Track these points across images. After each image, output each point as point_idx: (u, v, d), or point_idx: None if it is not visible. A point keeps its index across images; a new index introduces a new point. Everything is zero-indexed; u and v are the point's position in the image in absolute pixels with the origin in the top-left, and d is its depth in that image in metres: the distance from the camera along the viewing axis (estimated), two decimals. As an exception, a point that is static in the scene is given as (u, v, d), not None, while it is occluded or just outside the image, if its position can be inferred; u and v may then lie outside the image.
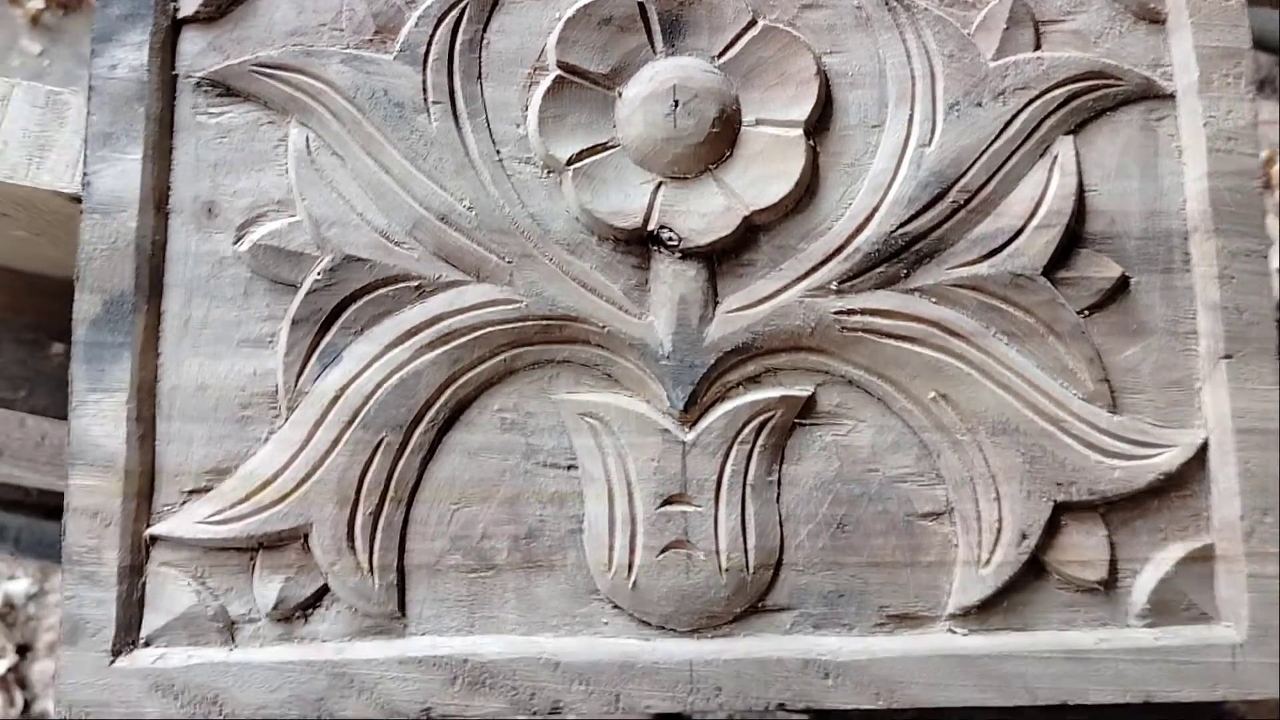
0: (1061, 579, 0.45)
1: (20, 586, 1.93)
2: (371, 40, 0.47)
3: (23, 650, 1.97)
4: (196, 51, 0.47)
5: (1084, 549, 0.45)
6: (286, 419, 0.45)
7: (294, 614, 0.44)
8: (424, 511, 0.45)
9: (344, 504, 0.44)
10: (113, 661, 0.43)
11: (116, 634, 0.43)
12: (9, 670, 1.90)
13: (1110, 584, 0.45)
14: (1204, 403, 0.46)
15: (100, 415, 0.44)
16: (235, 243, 0.46)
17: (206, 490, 0.44)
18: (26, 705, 1.92)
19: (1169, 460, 0.45)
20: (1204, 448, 0.45)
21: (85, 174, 0.45)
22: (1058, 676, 0.43)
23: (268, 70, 0.46)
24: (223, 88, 0.47)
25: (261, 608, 0.44)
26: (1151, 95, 0.48)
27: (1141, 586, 0.45)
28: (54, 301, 0.87)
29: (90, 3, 1.03)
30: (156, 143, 0.46)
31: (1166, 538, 0.45)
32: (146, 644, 0.44)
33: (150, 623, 0.44)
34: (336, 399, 0.44)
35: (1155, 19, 0.48)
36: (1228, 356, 0.45)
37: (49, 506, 1.00)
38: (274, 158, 0.46)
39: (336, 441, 0.44)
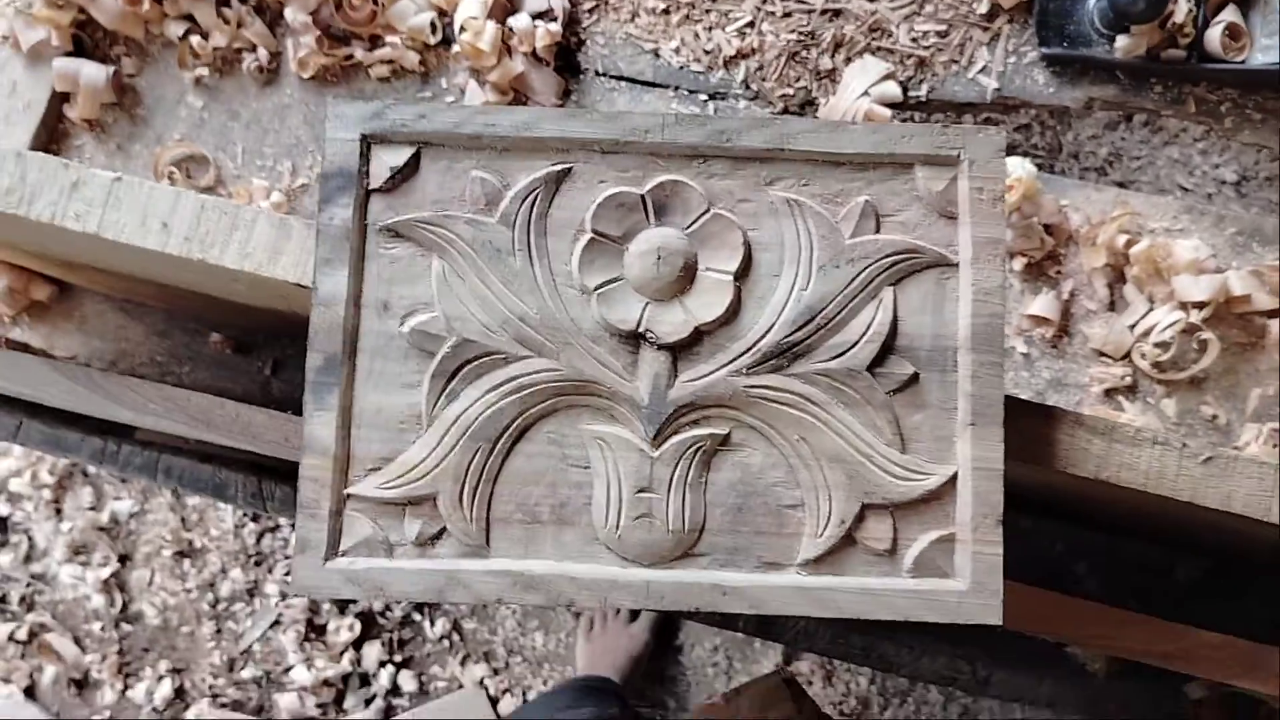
0: (864, 548, 0.69)
1: (125, 505, 2.25)
2: (483, 209, 0.75)
3: (123, 559, 2.30)
4: (379, 210, 0.72)
5: (878, 531, 0.69)
6: (426, 431, 0.69)
7: (426, 543, 0.69)
8: (501, 489, 0.69)
9: (457, 481, 0.69)
10: (324, 564, 0.68)
11: (326, 549, 0.67)
12: (111, 575, 2.22)
13: (892, 552, 0.69)
14: (958, 450, 0.70)
15: (322, 424, 0.73)
16: (400, 326, 0.71)
17: (378, 469, 0.69)
18: (125, 606, 2.24)
19: (933, 482, 0.69)
20: (954, 477, 0.68)
21: (315, 283, 0.76)
22: (857, 602, 0.73)
23: (421, 224, 0.75)
24: (394, 233, 0.72)
25: (408, 538, 0.68)
26: (944, 264, 0.70)
27: (910, 555, 0.69)
28: (209, 303, 1.16)
29: (241, 70, 1.31)
30: (355, 265, 0.70)
31: (927, 527, 0.69)
32: (343, 554, 0.69)
33: (345, 543, 0.68)
34: (454, 421, 0.69)
35: (950, 216, 0.71)
36: (972, 424, 0.71)
37: (203, 453, 1.29)
38: (423, 277, 0.69)
39: (454, 446, 0.68)
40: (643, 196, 0.70)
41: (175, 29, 1.24)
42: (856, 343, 0.70)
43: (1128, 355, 1.19)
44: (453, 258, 0.70)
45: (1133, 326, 1.19)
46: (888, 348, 0.70)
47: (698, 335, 0.70)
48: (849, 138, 0.74)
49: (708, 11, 1.29)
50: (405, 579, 0.68)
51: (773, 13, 1.27)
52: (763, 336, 0.71)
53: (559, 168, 0.71)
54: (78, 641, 2.21)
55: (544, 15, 1.22)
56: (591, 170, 0.71)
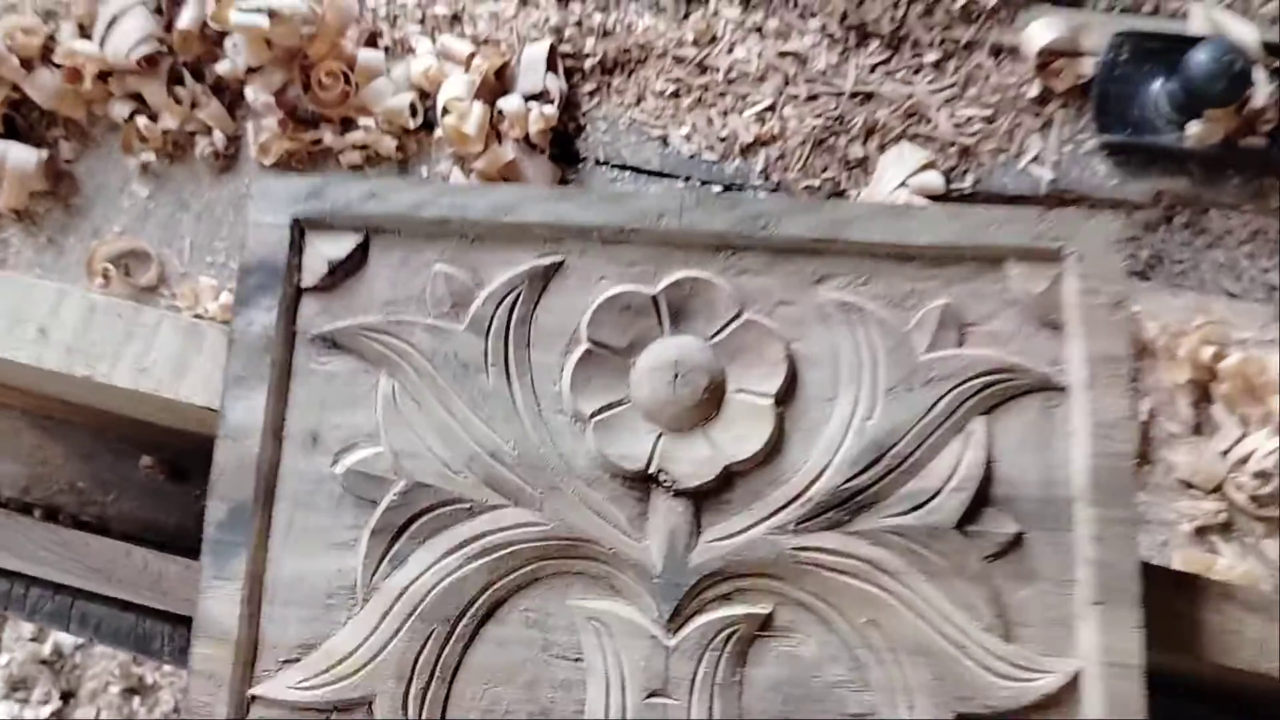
0: None
1: (69, 637, 2.04)
2: (448, 313, 0.60)
3: (66, 697, 2.07)
4: (313, 314, 0.60)
5: None
6: (361, 608, 0.56)
7: None
8: (461, 689, 0.56)
9: (401, 680, 0.56)
10: None
11: None
12: (52, 715, 2.01)
13: None
14: (1079, 638, 0.56)
15: (221, 598, 0.56)
16: (332, 465, 0.58)
17: (296, 661, 0.56)
18: None
19: (1049, 684, 0.55)
20: (1077, 676, 0.55)
21: (222, 408, 0.58)
22: None
23: (366, 332, 0.59)
24: (331, 343, 0.59)
25: None
26: (1050, 387, 0.58)
27: None
28: (137, 424, 0.99)
29: (193, 155, 1.19)
30: (277, 384, 0.58)
31: None
32: None
33: None
34: (400, 595, 0.56)
35: (1055, 326, 0.59)
36: (1099, 603, 0.56)
37: (125, 600, 1.11)
38: (366, 400, 0.58)
39: (398, 630, 0.56)
40: (655, 298, 0.60)
41: (121, 109, 1.12)
42: (940, 491, 0.57)
43: (1220, 487, 1.03)
44: (406, 375, 0.59)
45: (1225, 453, 1.04)
46: (981, 498, 0.57)
47: (728, 478, 0.58)
48: (920, 224, 0.59)
49: (722, 94, 1.16)
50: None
51: (796, 96, 1.14)
52: (814, 481, 0.58)
53: (547, 261, 0.61)
54: (8, 794, 1.99)
55: (538, 97, 1.10)
56: (589, 265, 0.60)
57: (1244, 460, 1.04)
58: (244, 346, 0.59)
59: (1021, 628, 0.56)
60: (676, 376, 0.58)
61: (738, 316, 0.59)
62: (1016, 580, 0.57)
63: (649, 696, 0.56)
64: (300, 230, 0.60)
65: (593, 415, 0.58)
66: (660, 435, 0.58)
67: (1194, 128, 1.09)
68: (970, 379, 0.58)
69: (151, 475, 1.03)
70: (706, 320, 0.59)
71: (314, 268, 0.60)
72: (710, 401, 0.58)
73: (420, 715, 0.56)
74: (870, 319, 0.59)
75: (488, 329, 0.59)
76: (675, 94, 1.15)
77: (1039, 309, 0.59)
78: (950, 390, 0.58)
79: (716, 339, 0.59)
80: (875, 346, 0.59)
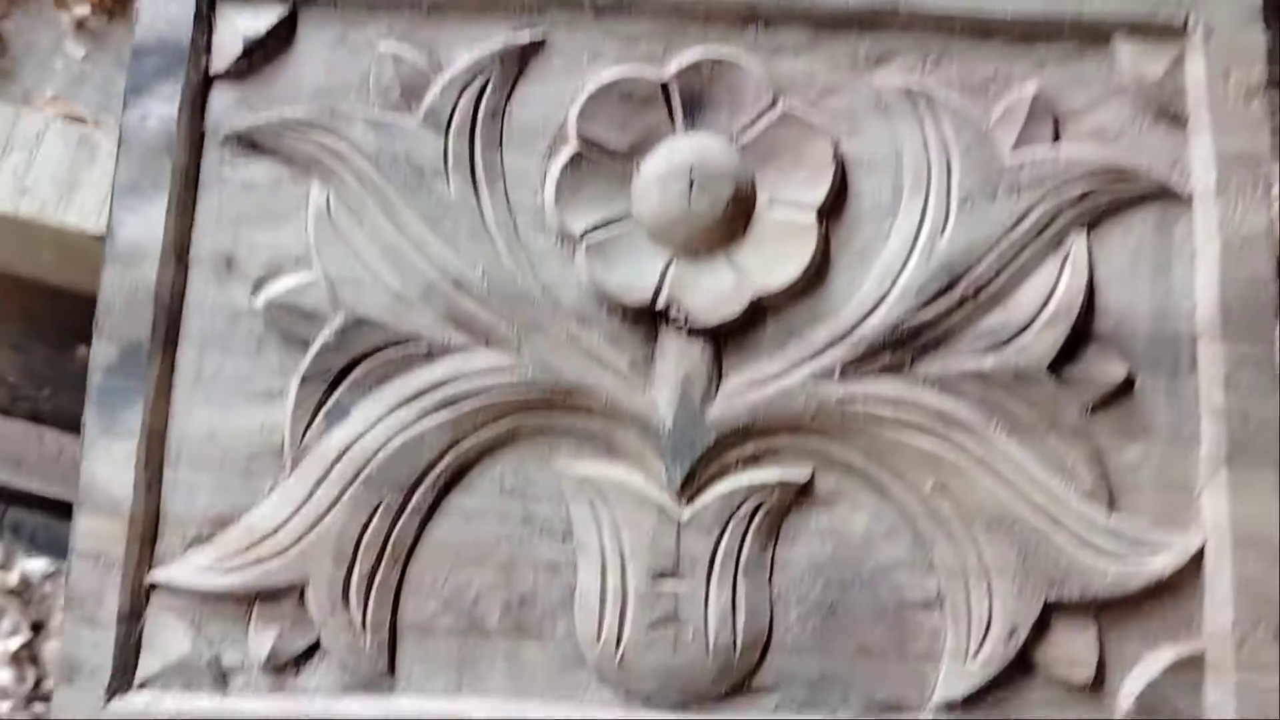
0: (1048, 677, 0.45)
1: (38, 565, 1.97)
2: (396, 104, 0.48)
3: (36, 627, 2.02)
4: (225, 107, 0.48)
5: (1073, 648, 0.45)
6: (291, 473, 0.46)
7: (286, 666, 0.45)
8: (419, 572, 0.46)
9: (341, 561, 0.45)
10: (107, 703, 0.44)
11: (113, 676, 0.45)
12: (22, 647, 1.95)
13: (1097, 685, 0.45)
14: (1203, 508, 0.46)
15: (109, 460, 0.45)
16: (252, 296, 0.47)
17: (208, 539, 0.46)
18: (38, 682, 1.96)
19: (1164, 564, 0.45)
20: (1200, 553, 0.46)
21: (110, 224, 0.46)
22: None
23: (293, 128, 0.48)
24: (249, 143, 0.48)
25: (254, 658, 0.45)
26: (1167, 196, 0.48)
27: (1128, 690, 0.45)
28: (80, 307, 0.89)
29: (132, 9, 1.06)
30: (180, 195, 0.48)
31: (1157, 641, 0.45)
32: (141, 687, 0.45)
33: (146, 666, 0.45)
34: (340, 457, 0.46)
35: (1176, 120, 0.48)
36: (1230, 463, 0.45)
37: (66, 505, 1.03)
38: (294, 215, 0.48)
39: (338, 499, 0.45)
40: (664, 85, 0.49)
41: None
42: (1029, 325, 0.47)
43: None
44: (344, 183, 0.48)
45: None
46: (1081, 334, 0.47)
47: (757, 313, 0.48)
48: None
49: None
50: (247, 733, 0.45)
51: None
52: (868, 315, 0.47)
53: (525, 38, 0.50)
54: (-22, 725, 1.93)
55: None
56: (578, 42, 0.50)
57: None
58: (137, 146, 0.47)
59: (1130, 495, 0.47)
60: (693, 184, 0.47)
61: (772, 107, 0.49)
62: (1125, 436, 0.47)
63: (656, 579, 0.45)
64: (209, 1, 0.48)
65: (584, 234, 0.47)
66: (671, 260, 0.47)
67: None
68: (1068, 184, 0.48)
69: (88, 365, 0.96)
70: (731, 113, 0.49)
71: (227, 48, 0.49)
72: (735, 217, 0.47)
73: (366, 604, 0.45)
74: (942, 110, 0.49)
75: (448, 124, 0.48)
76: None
77: (1155, 97, 0.49)
78: (1043, 198, 0.48)
79: (744, 137, 0.49)
80: (948, 145, 0.48)
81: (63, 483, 0.76)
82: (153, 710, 0.44)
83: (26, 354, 0.99)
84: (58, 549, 1.02)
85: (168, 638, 0.45)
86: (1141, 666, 0.45)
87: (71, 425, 0.96)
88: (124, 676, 0.45)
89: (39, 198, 0.51)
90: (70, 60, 1.05)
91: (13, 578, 1.92)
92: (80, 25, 1.03)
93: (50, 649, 1.99)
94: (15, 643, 1.90)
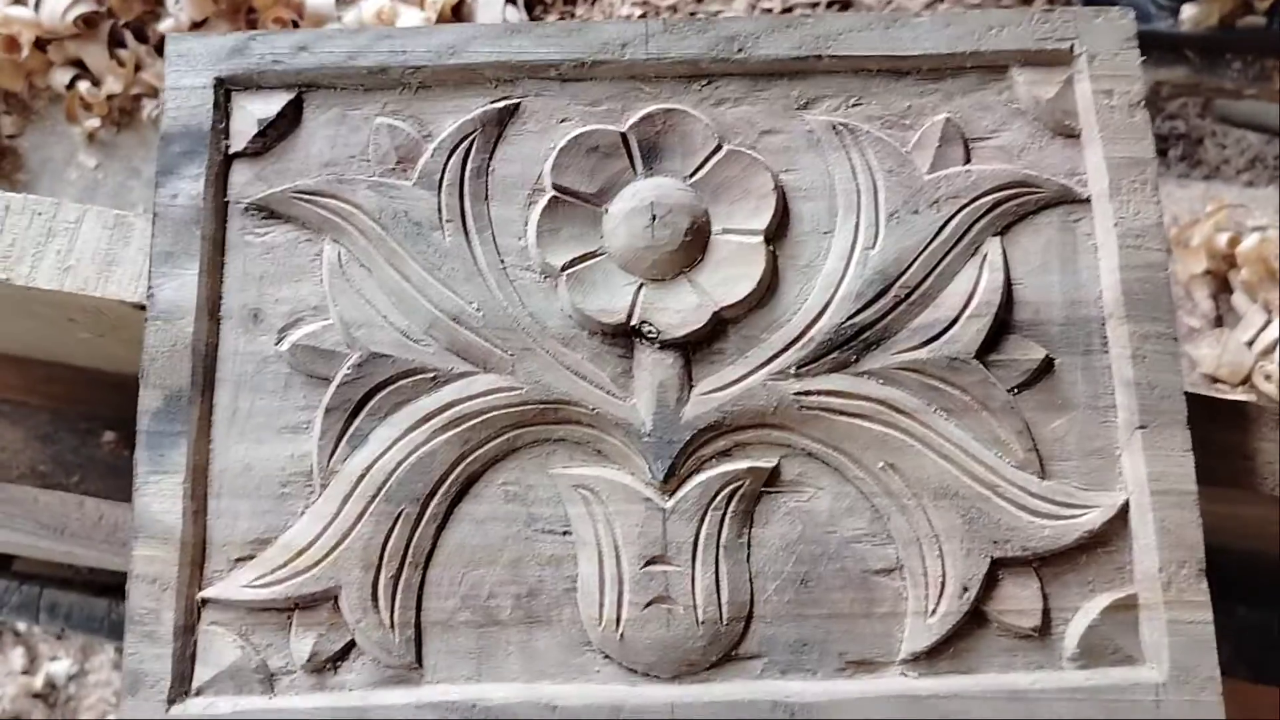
0: (1000, 626, 0.49)
1: (62, 667, 1.96)
2: (394, 169, 0.54)
3: None
4: (244, 181, 0.53)
5: (1019, 599, 0.49)
6: (319, 495, 0.50)
7: (325, 666, 0.49)
8: (438, 574, 0.50)
9: (369, 568, 0.50)
10: (168, 709, 0.48)
11: (172, 685, 0.48)
12: None
13: (1044, 631, 0.49)
14: (1123, 468, 0.50)
15: (160, 494, 0.50)
16: (277, 343, 0.52)
17: (250, 558, 0.50)
18: None
19: (1093, 519, 0.50)
20: (1125, 508, 0.50)
21: (150, 287, 0.52)
22: (998, 714, 0.48)
23: (305, 196, 0.53)
24: (267, 211, 0.53)
25: (297, 661, 0.49)
26: (1069, 200, 0.53)
27: (1072, 633, 0.49)
28: (107, 393, 0.93)
29: (142, 120, 1.12)
30: (210, 259, 0.52)
31: (1094, 589, 0.50)
32: (198, 694, 0.49)
33: (200, 675, 0.49)
34: (363, 477, 0.50)
35: (1070, 134, 0.54)
36: (1142, 427, 0.50)
37: (99, 584, 1.05)
38: (310, 270, 0.52)
39: (362, 514, 0.50)
40: (624, 135, 0.54)
41: (62, 77, 1.08)
42: (955, 320, 0.52)
43: (1248, 379, 0.97)
44: (352, 239, 0.53)
45: (1250, 343, 0.98)
46: (1002, 325, 0.52)
47: (719, 325, 0.53)
48: (912, 34, 0.53)
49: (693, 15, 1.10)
50: (295, 727, 0.49)
51: None
52: (815, 321, 0.52)
53: (501, 105, 0.55)
54: (6, 828, 1.91)
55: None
56: (548, 106, 0.55)
57: (1270, 349, 0.99)
58: (170, 220, 0.53)
59: (1058, 462, 0.51)
60: (654, 219, 0.52)
61: (718, 150, 0.53)
62: (1048, 410, 0.51)
63: (647, 564, 0.50)
64: (225, 91, 0.54)
65: (564, 269, 0.52)
66: (640, 285, 0.52)
67: (1188, 11, 1.05)
68: (980, 196, 0.53)
69: (115, 452, 0.99)
70: (683, 157, 0.54)
71: (243, 131, 0.54)
72: (693, 245, 0.52)
73: (393, 605, 0.49)
74: (865, 141, 0.53)
75: (440, 183, 0.53)
76: (643, 16, 1.12)
77: (1050, 117, 0.54)
78: (959, 210, 0.53)
79: (696, 176, 0.53)
80: (873, 170, 0.53)
81: (106, 545, 0.80)
82: (210, 713, 0.48)
83: (55, 444, 1.03)
84: (93, 626, 1.04)
85: (219, 647, 0.49)
86: (1082, 612, 0.49)
87: (101, 505, 0.99)
88: (182, 685, 0.48)
89: (81, 275, 0.57)
90: (84, 170, 1.11)
91: (38, 681, 1.92)
92: (91, 137, 1.10)
93: (76, 748, 1.94)
94: (42, 745, 1.87)
